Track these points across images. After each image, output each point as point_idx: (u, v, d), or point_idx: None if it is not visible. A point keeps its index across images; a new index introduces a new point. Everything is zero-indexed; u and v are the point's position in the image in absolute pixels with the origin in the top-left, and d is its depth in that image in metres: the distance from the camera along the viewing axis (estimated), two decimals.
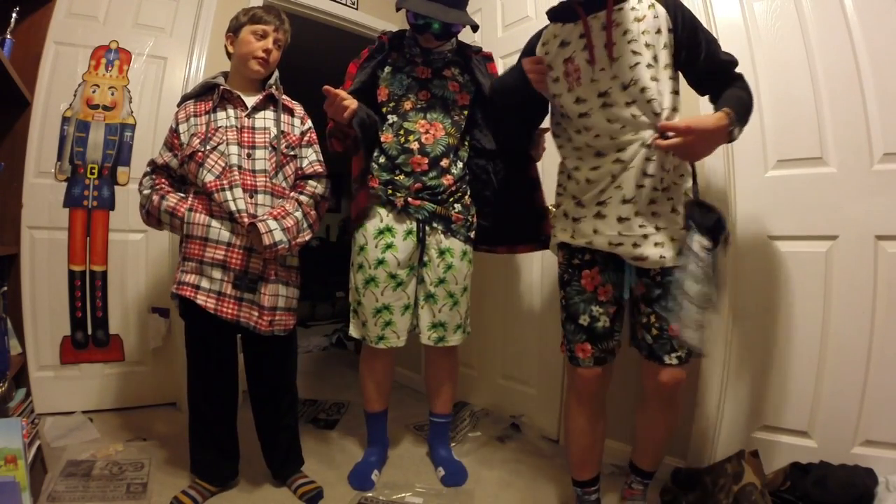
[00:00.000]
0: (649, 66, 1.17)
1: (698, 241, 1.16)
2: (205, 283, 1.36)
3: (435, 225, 1.56)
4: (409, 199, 1.53)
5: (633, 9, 1.18)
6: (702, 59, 1.19)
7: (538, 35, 1.38)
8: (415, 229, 1.55)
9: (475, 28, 1.55)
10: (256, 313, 1.38)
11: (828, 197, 1.41)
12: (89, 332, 2.05)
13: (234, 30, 1.46)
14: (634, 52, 1.17)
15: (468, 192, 1.64)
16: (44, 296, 1.97)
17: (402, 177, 1.54)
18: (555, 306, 1.95)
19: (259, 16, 1.44)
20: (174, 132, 1.43)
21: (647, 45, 1.17)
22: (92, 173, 2.02)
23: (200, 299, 1.35)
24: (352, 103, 1.38)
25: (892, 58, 1.32)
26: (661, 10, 1.18)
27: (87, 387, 2.04)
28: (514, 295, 2.14)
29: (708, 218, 1.18)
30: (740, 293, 1.54)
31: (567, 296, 1.32)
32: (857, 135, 1.36)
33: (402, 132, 1.53)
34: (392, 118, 1.56)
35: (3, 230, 1.88)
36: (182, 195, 1.42)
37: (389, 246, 1.53)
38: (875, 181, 1.34)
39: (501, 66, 2.19)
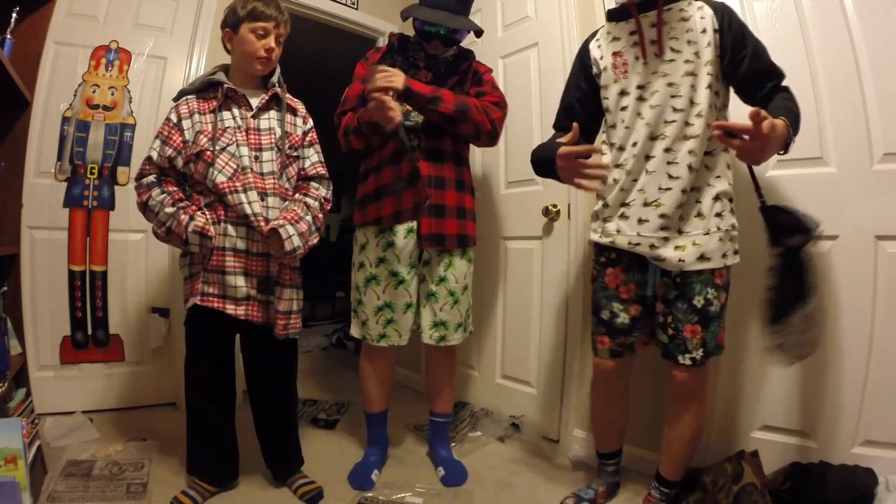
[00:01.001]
0: (687, 61, 1.22)
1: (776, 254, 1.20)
2: (230, 292, 1.35)
3: None
4: None
5: (681, 10, 1.25)
6: (746, 63, 1.21)
7: (592, 35, 1.42)
8: (416, 227, 1.55)
9: (479, 33, 1.58)
10: (276, 317, 1.38)
11: (828, 197, 1.41)
12: (89, 332, 2.05)
13: (231, 25, 1.40)
14: (673, 49, 1.24)
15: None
16: (44, 296, 1.97)
17: None
18: (555, 307, 1.96)
19: (259, 11, 1.37)
20: (176, 127, 1.38)
21: (689, 42, 1.23)
22: (92, 173, 2.02)
23: (230, 309, 1.35)
24: (397, 114, 1.38)
25: (892, 58, 1.32)
26: (708, 11, 1.24)
27: (87, 387, 2.04)
28: (514, 295, 2.14)
29: (780, 223, 1.21)
30: (740, 293, 1.54)
31: (594, 290, 1.41)
32: (857, 135, 1.37)
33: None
34: None
35: (3, 230, 1.88)
36: (201, 211, 1.36)
37: (391, 244, 1.54)
38: (875, 181, 1.34)
39: (502, 67, 2.19)
